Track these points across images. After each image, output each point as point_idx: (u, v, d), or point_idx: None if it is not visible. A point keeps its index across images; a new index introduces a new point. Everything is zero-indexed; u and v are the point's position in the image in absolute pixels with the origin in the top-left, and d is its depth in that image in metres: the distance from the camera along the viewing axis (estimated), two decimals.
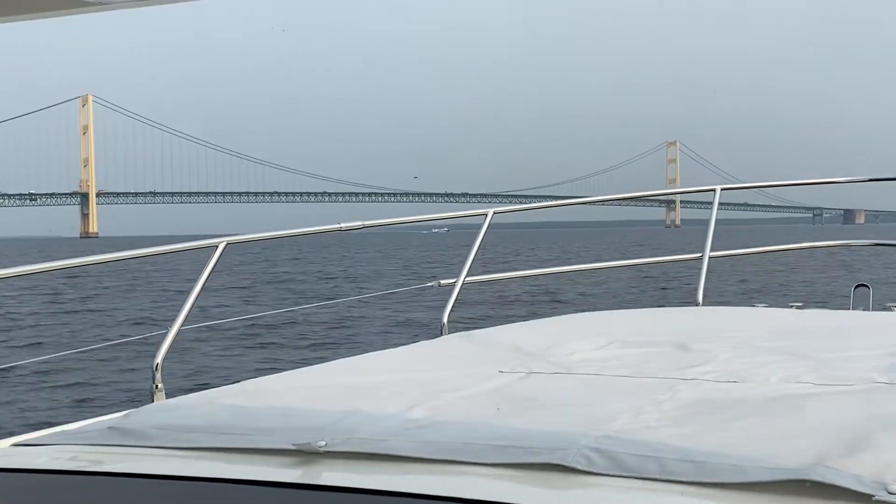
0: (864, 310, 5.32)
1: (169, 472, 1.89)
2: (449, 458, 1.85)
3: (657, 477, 1.73)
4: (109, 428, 2.17)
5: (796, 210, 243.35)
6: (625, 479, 1.74)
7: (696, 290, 5.12)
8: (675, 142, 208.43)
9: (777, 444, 1.87)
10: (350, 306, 23.17)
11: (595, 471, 1.77)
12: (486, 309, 22.12)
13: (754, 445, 1.87)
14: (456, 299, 4.43)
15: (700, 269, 5.27)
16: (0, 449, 2.25)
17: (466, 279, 4.62)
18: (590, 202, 6.92)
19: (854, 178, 6.32)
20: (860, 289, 5.69)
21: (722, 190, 5.86)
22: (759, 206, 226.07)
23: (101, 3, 1.43)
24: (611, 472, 1.76)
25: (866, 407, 2.24)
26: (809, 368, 2.74)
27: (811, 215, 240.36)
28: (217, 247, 3.76)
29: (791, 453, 1.78)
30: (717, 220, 5.64)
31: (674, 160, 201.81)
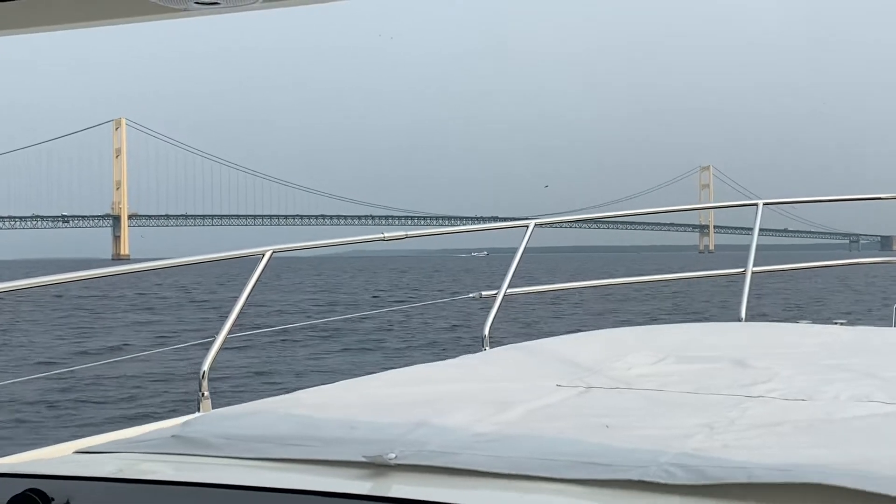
0: None
1: (236, 482, 1.88)
2: (522, 473, 1.82)
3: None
4: (173, 437, 2.17)
5: (833, 236, 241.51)
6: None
7: (739, 305, 5.09)
8: (709, 166, 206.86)
9: (867, 463, 1.83)
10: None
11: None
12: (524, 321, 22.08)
13: (842, 461, 1.84)
14: (497, 311, 4.42)
15: (743, 284, 5.25)
16: (65, 456, 2.25)
17: (508, 291, 4.61)
18: (631, 214, 6.91)
19: None
20: None
21: (764, 205, 5.82)
22: (796, 232, 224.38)
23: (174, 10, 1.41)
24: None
25: None
26: (876, 387, 2.73)
27: (847, 242, 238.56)
28: (263, 255, 3.75)
29: (881, 469, 1.76)
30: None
31: (707, 185, 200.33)
